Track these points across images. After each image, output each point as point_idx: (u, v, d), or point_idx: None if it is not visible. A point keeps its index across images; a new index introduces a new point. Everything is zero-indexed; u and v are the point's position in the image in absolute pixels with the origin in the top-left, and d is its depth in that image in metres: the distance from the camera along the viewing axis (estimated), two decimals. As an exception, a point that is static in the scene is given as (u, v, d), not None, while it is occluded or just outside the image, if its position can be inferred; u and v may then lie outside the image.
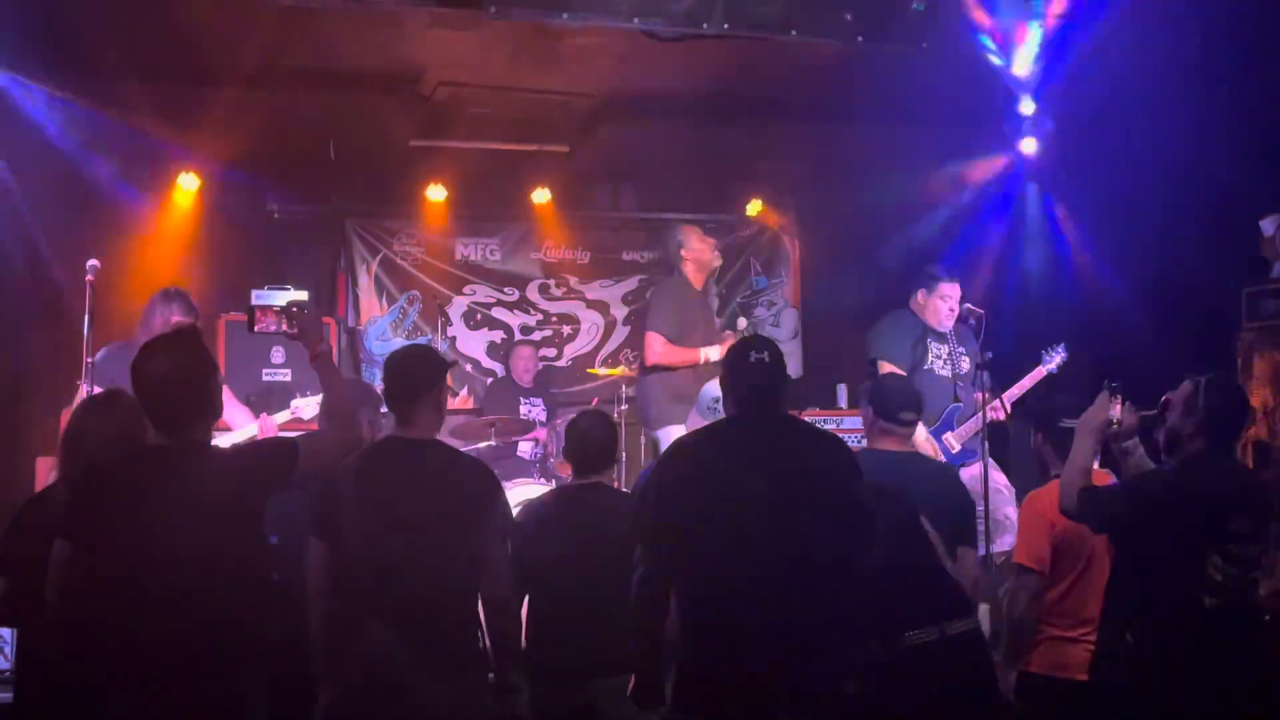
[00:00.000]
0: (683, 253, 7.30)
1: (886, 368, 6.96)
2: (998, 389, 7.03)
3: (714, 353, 6.81)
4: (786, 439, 4.14)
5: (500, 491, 4.27)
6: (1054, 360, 7.11)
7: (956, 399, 6.87)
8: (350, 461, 4.17)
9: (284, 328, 4.13)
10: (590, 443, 4.99)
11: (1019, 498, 6.78)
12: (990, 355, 6.81)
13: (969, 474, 6.90)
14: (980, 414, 6.87)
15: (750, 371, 4.16)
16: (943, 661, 4.16)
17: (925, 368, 7.05)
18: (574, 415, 5.28)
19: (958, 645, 4.19)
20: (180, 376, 3.73)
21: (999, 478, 6.96)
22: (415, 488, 4.05)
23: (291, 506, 4.10)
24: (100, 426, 4.25)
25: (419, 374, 4.23)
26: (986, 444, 6.65)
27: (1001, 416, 7.02)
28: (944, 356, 7.15)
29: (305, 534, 4.09)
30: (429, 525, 4.00)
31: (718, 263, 7.60)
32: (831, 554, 4.01)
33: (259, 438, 4.07)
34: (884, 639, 4.18)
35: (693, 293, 7.35)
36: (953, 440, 6.89)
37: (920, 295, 7.26)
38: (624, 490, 5.57)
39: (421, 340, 9.94)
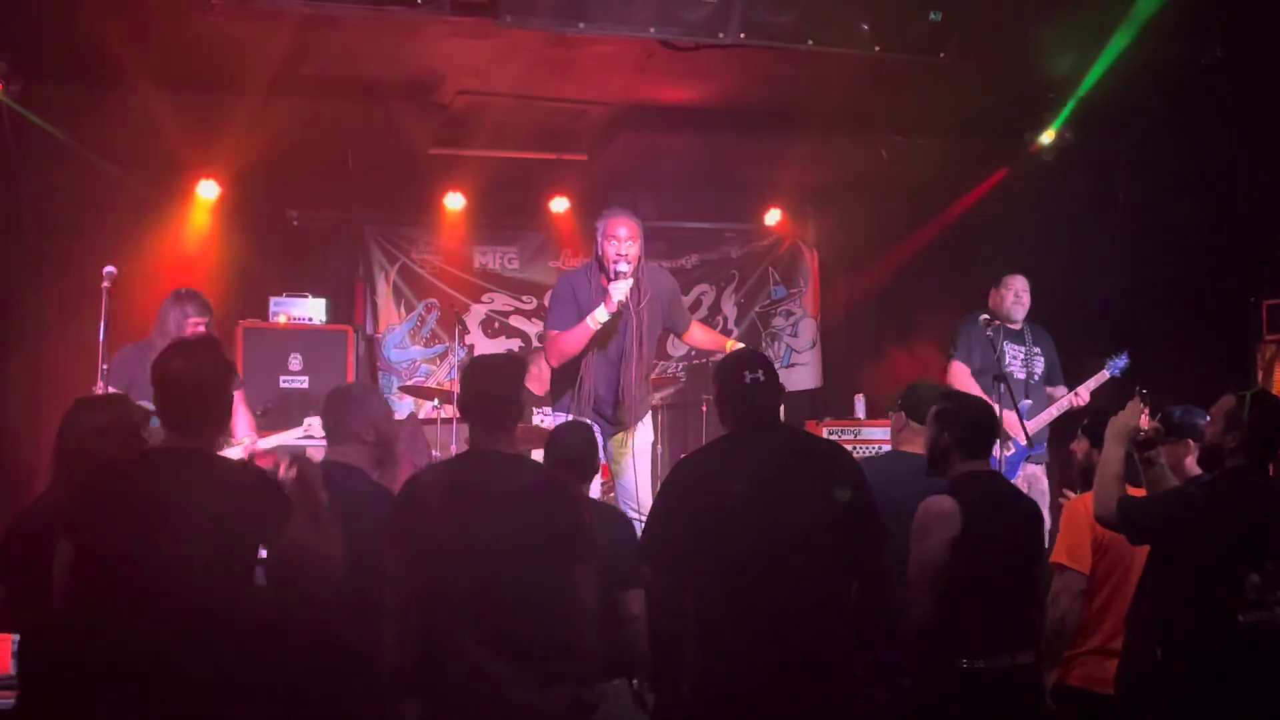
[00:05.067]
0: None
1: (955, 366, 7.52)
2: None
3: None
4: (788, 452, 4.14)
5: (581, 507, 4.25)
6: (1118, 366, 7.48)
7: (1027, 396, 7.24)
8: (434, 474, 4.18)
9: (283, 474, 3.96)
10: (568, 454, 4.95)
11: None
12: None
13: (1035, 470, 7.41)
14: (1053, 407, 7.49)
15: (745, 391, 4.15)
16: (1004, 691, 4.14)
17: (1004, 368, 7.27)
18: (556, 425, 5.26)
19: (1016, 677, 4.17)
20: (197, 380, 3.74)
21: (1044, 483, 7.35)
22: (501, 501, 4.00)
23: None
24: (90, 424, 4.27)
25: (499, 387, 4.20)
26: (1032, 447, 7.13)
27: (1082, 404, 7.43)
28: (1020, 357, 7.51)
29: (381, 546, 4.02)
30: (517, 539, 3.95)
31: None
32: (840, 563, 4.01)
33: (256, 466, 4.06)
34: (938, 657, 4.17)
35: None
36: (1020, 432, 7.10)
37: (991, 292, 7.76)
38: (601, 500, 5.52)
39: (438, 349, 9.97)
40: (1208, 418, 4.46)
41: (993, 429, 4.60)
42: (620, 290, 6.21)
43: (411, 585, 3.95)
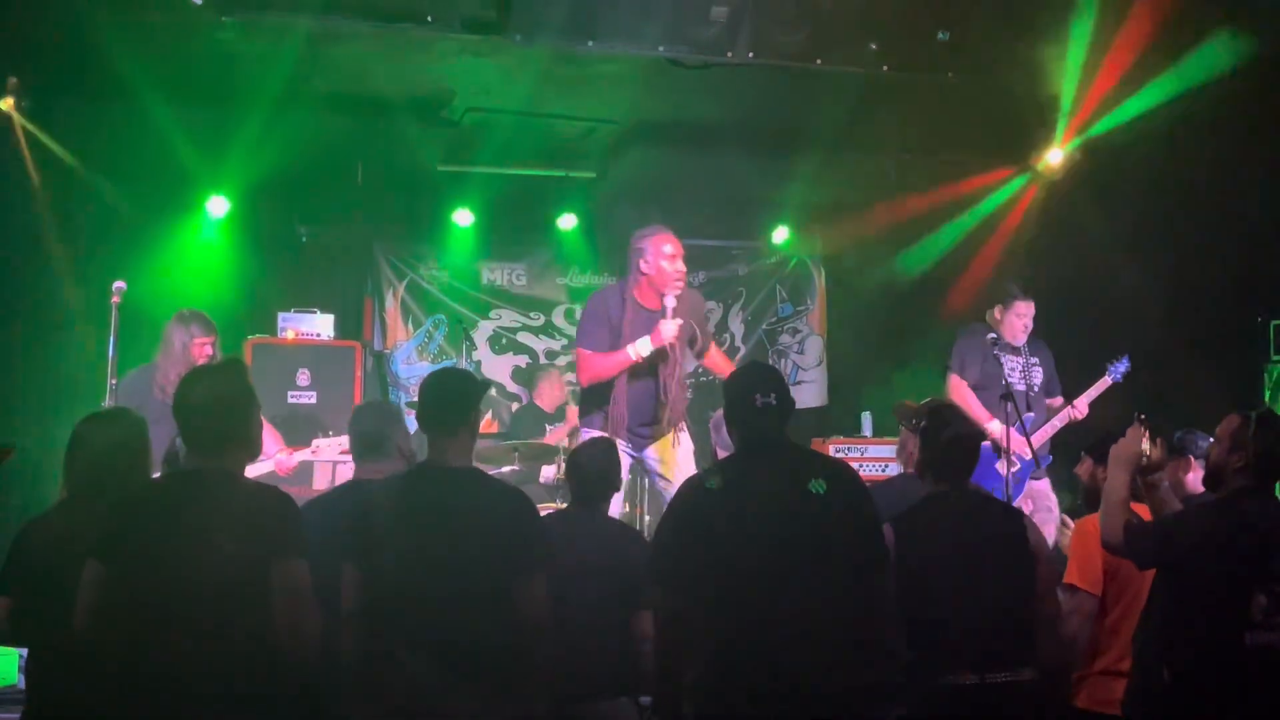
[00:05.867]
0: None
1: (954, 380, 7.37)
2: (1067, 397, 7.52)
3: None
4: (797, 469, 4.12)
5: (536, 518, 4.22)
6: (1119, 370, 7.41)
7: (1028, 409, 7.07)
8: (386, 488, 4.16)
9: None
10: (589, 470, 4.96)
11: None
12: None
13: (1037, 487, 7.29)
14: (1056, 419, 7.37)
15: (756, 416, 4.14)
16: (979, 709, 4.10)
17: (1003, 381, 7.18)
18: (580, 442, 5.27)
19: (997, 695, 4.12)
20: (220, 401, 3.79)
21: (1053, 499, 7.24)
22: (450, 515, 3.99)
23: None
24: (105, 438, 4.28)
25: (454, 400, 4.18)
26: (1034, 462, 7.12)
27: (1080, 416, 7.36)
28: (1018, 370, 7.39)
29: (339, 559, 4.03)
30: (464, 553, 3.94)
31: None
32: (847, 580, 4.01)
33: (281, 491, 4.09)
34: (923, 675, 4.15)
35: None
36: (1020, 447, 7.01)
37: (997, 310, 7.58)
38: (619, 520, 5.53)
39: (446, 364, 9.97)
40: (1211, 439, 4.45)
41: (964, 453, 4.48)
42: (670, 330, 6.20)
43: (364, 596, 3.96)
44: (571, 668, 4.47)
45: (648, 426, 6.42)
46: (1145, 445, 4.44)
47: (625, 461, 6.43)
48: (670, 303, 6.23)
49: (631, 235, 6.43)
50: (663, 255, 6.27)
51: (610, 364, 6.27)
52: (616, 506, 6.51)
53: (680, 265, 6.30)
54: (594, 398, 6.48)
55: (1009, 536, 4.37)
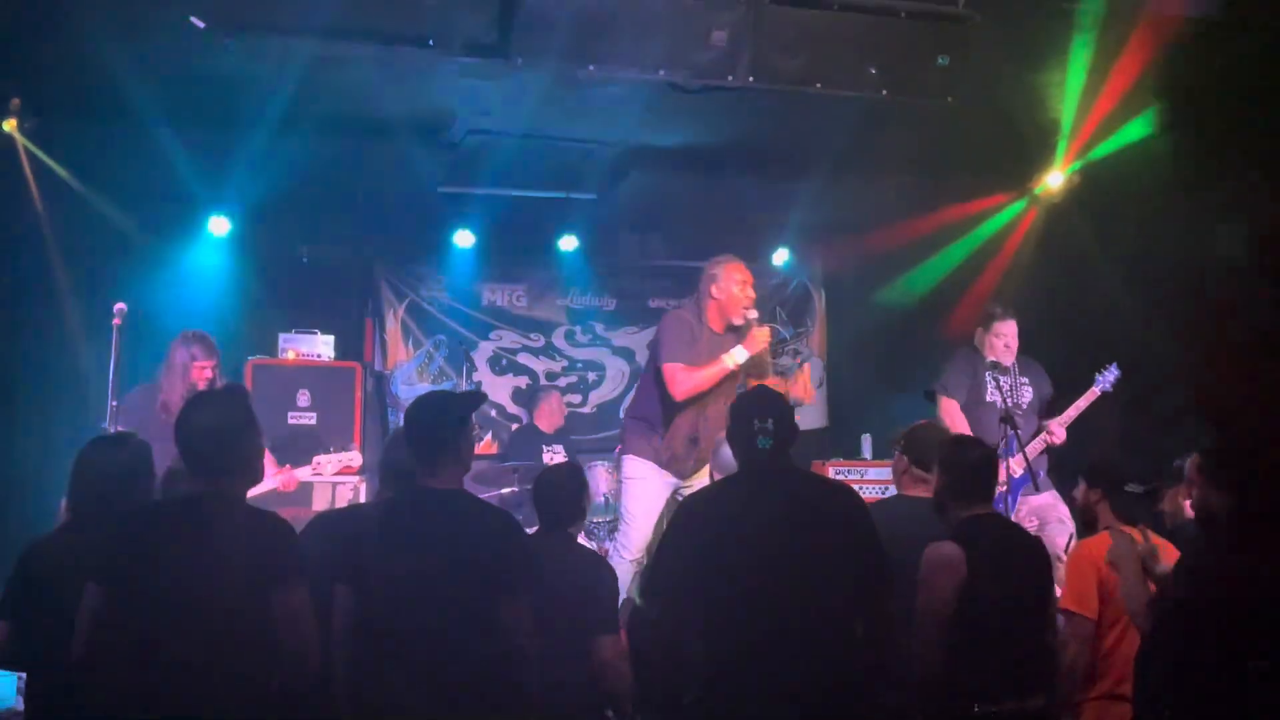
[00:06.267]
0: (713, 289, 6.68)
1: (944, 401, 7.35)
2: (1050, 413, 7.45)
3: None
4: (798, 492, 4.16)
5: (522, 540, 4.22)
6: (1108, 380, 7.36)
7: (1014, 427, 6.96)
8: (376, 510, 4.18)
9: None
10: (555, 495, 4.95)
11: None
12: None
13: (1039, 501, 7.21)
14: (1038, 439, 7.29)
15: (754, 439, 4.20)
16: None
17: (987, 400, 7.25)
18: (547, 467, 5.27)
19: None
20: (222, 429, 3.84)
21: (1063, 509, 7.13)
22: (436, 537, 4.01)
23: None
24: (110, 463, 4.30)
25: (439, 423, 4.20)
26: (1034, 477, 7.01)
27: (1057, 442, 7.31)
28: (1005, 389, 7.32)
29: (331, 580, 4.05)
30: (450, 574, 3.95)
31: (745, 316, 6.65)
32: (849, 602, 4.02)
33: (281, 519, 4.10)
34: (964, 700, 4.13)
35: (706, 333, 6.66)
36: (1013, 465, 6.93)
37: (978, 333, 7.59)
38: (588, 546, 5.52)
39: (446, 385, 9.98)
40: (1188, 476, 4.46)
41: (988, 474, 4.58)
42: (765, 336, 6.49)
43: (355, 616, 3.98)
44: (544, 691, 4.49)
45: (696, 453, 6.53)
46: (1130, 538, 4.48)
47: (667, 491, 6.57)
48: (753, 314, 6.52)
49: (707, 262, 6.74)
50: (734, 281, 6.58)
51: (707, 376, 6.45)
52: (645, 532, 6.53)
53: (750, 292, 6.59)
54: (640, 425, 6.60)
55: (1039, 558, 4.44)
